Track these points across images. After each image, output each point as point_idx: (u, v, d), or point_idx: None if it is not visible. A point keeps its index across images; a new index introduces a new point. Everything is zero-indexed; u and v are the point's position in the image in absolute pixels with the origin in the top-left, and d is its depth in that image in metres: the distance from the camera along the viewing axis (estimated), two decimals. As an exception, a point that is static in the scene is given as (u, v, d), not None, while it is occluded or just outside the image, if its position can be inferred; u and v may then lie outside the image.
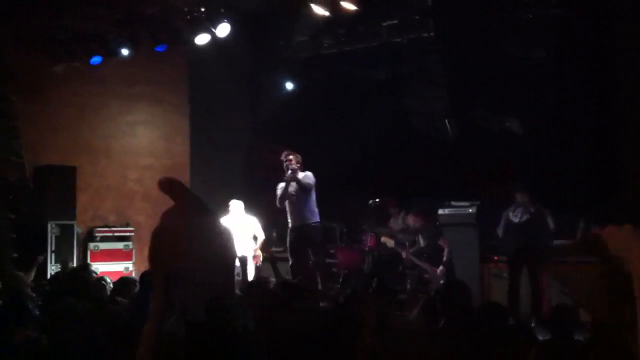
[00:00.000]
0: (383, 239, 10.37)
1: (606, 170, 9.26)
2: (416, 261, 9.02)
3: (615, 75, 9.20)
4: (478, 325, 4.60)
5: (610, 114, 9.28)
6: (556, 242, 8.47)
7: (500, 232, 8.63)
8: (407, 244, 9.35)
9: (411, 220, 9.47)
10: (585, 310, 7.42)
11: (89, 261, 9.74)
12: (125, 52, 9.80)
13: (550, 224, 8.35)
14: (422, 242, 9.10)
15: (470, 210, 9.35)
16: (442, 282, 8.37)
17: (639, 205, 8.60)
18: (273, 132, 12.08)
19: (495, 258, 9.21)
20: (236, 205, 9.06)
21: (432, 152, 11.07)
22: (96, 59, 9.84)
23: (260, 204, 9.80)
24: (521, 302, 8.21)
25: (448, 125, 10.83)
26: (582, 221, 8.93)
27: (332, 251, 10.74)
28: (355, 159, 11.49)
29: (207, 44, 9.66)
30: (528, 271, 8.28)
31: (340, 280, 9.82)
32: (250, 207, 9.42)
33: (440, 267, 8.72)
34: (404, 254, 9.10)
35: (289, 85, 12.16)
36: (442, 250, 8.80)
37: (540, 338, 5.23)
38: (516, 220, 8.34)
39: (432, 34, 10.38)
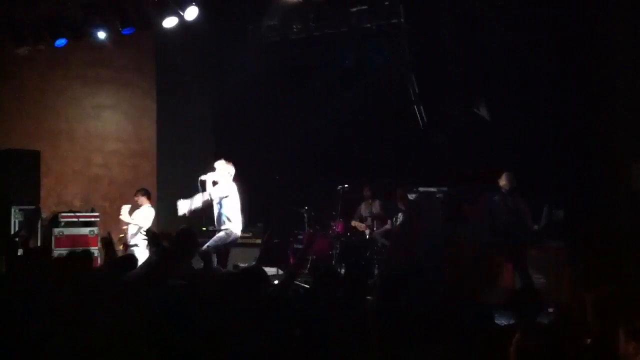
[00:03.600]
0: (354, 223, 10.44)
1: (572, 155, 9.38)
2: (383, 241, 9.11)
3: (587, 61, 9.30)
4: (440, 309, 4.65)
5: (579, 99, 9.38)
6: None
7: (476, 216, 8.46)
8: (374, 226, 9.43)
9: (378, 206, 9.55)
10: (551, 294, 7.54)
11: (53, 247, 9.62)
12: (92, 35, 9.62)
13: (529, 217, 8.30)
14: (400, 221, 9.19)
15: (437, 195, 9.39)
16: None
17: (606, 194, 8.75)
18: (240, 117, 12.02)
19: (459, 241, 9.26)
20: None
21: (402, 139, 11.10)
22: (61, 41, 9.62)
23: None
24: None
25: (417, 112, 10.84)
26: (547, 206, 9.04)
27: (301, 237, 10.75)
28: (323, 144, 11.49)
29: (175, 27, 9.53)
30: (513, 265, 8.19)
31: (308, 266, 9.84)
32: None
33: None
34: (368, 232, 9.18)
35: (257, 70, 12.07)
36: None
37: (505, 322, 5.33)
38: (502, 216, 8.16)
39: (402, 20, 10.37)
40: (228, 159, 8.51)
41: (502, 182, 8.25)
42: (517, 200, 8.16)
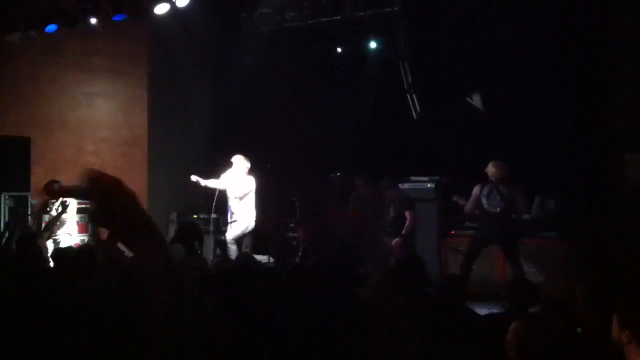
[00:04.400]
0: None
1: (566, 146, 9.38)
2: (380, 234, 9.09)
3: (584, 52, 9.29)
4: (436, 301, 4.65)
5: (575, 90, 9.37)
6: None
7: (468, 205, 8.15)
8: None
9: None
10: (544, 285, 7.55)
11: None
12: (83, 21, 9.54)
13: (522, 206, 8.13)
14: (391, 214, 9.13)
15: (429, 185, 9.39)
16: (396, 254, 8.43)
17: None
18: (233, 106, 11.97)
19: (453, 232, 9.27)
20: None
21: (396, 128, 11.09)
22: (51, 27, 9.56)
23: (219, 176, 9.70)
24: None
25: (411, 101, 10.82)
26: (538, 196, 9.03)
27: (293, 225, 10.73)
28: (316, 133, 11.46)
29: (168, 15, 9.47)
30: (505, 256, 8.08)
31: (300, 254, 9.81)
32: (211, 178, 9.37)
33: (397, 239, 8.75)
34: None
35: (250, 59, 12.02)
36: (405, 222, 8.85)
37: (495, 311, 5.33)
38: (491, 209, 7.93)
39: (396, 8, 10.33)
40: (245, 154, 8.98)
41: (490, 170, 8.00)
42: (508, 189, 7.92)
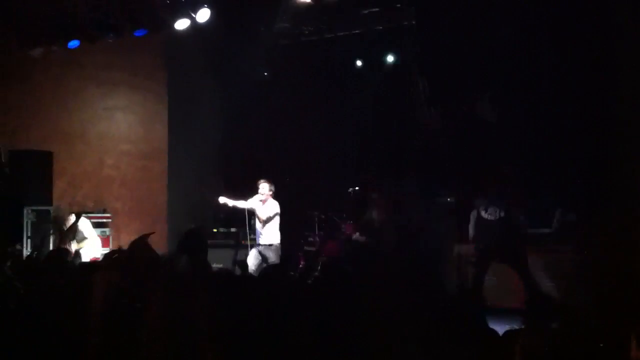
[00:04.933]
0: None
1: (584, 158, 9.31)
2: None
3: (598, 59, 9.23)
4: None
5: (591, 99, 9.31)
6: (531, 230, 8.51)
7: (471, 230, 8.21)
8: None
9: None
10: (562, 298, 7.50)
11: (65, 247, 9.65)
12: (104, 37, 9.66)
13: (523, 221, 8.17)
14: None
15: (449, 199, 9.39)
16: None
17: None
18: (251, 119, 12.04)
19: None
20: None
21: (414, 141, 11.09)
22: (74, 43, 9.67)
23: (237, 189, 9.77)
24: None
25: (427, 114, 10.83)
26: (559, 210, 8.98)
27: (311, 239, 10.75)
28: (335, 147, 11.49)
29: (188, 30, 9.56)
30: (512, 268, 7.95)
31: (319, 268, 9.80)
32: (228, 191, 9.46)
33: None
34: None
35: (268, 72, 12.11)
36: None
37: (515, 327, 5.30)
38: (490, 218, 7.92)
39: (413, 22, 10.37)
40: (269, 179, 9.25)
41: (488, 186, 8.06)
42: (499, 205, 7.92)
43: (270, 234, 9.19)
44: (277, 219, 9.22)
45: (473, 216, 8.16)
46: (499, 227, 7.90)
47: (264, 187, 9.20)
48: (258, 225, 9.26)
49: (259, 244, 9.22)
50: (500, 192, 8.00)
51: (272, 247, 9.12)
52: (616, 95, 8.79)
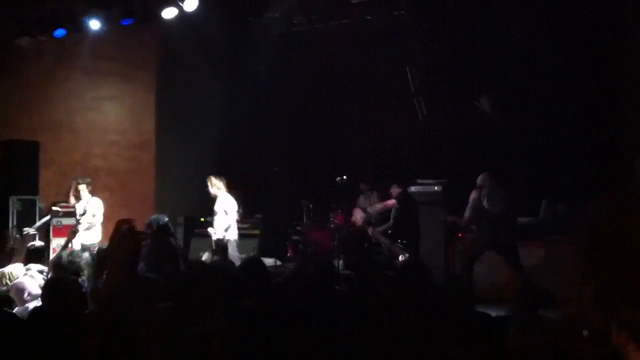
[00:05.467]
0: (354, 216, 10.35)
1: (577, 150, 9.34)
2: (381, 239, 9.04)
3: (594, 56, 9.25)
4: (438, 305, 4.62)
5: (586, 94, 9.33)
6: (520, 219, 8.50)
7: (467, 212, 8.11)
8: (373, 221, 9.36)
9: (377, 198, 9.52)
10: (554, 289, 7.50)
11: (51, 236, 9.61)
12: (92, 26, 9.57)
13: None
14: (391, 220, 9.12)
15: (436, 188, 9.35)
16: (400, 259, 8.42)
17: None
18: (241, 110, 11.99)
19: (460, 235, 9.22)
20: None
21: (402, 131, 11.06)
22: (60, 32, 9.59)
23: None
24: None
25: (417, 105, 10.80)
26: (545, 199, 8.99)
27: (300, 229, 10.72)
28: (324, 136, 11.46)
29: (177, 20, 9.50)
30: (505, 258, 7.99)
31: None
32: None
33: (399, 245, 8.76)
34: (370, 231, 9.11)
35: (258, 63, 12.05)
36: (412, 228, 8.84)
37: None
38: (493, 210, 7.90)
39: (402, 12, 10.33)
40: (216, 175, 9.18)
41: (485, 180, 8.02)
42: (500, 197, 7.95)
43: (218, 229, 9.06)
44: (223, 215, 9.04)
45: (473, 200, 8.04)
46: (498, 220, 7.88)
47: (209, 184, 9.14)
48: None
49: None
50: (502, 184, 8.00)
51: (221, 243, 9.01)
52: (615, 89, 8.83)
